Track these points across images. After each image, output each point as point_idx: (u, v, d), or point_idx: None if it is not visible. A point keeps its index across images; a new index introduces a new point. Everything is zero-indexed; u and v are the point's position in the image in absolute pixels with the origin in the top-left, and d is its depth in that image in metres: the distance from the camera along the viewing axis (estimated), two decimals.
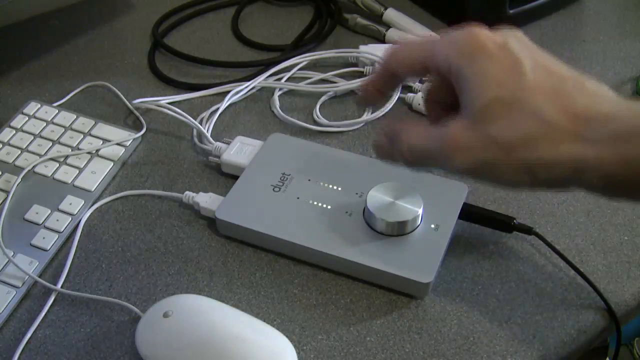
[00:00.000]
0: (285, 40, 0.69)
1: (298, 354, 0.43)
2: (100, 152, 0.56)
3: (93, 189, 0.53)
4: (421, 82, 0.62)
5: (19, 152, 0.56)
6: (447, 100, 0.38)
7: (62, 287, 0.47)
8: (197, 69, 0.66)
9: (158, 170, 0.56)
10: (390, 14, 0.69)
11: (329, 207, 0.49)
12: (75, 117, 0.59)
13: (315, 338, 0.44)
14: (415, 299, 0.46)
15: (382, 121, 0.40)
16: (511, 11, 0.69)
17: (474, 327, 0.45)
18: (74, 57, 0.68)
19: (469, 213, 0.49)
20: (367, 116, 0.60)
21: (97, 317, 0.46)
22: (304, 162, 0.53)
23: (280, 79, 0.63)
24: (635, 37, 0.70)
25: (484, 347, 0.44)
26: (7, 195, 0.52)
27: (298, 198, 0.50)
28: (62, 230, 0.50)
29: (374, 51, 0.63)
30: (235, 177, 0.53)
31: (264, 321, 0.44)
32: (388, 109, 0.60)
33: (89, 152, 0.56)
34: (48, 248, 0.49)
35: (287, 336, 0.43)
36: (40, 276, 0.48)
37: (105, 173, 0.55)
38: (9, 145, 0.56)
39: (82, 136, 0.57)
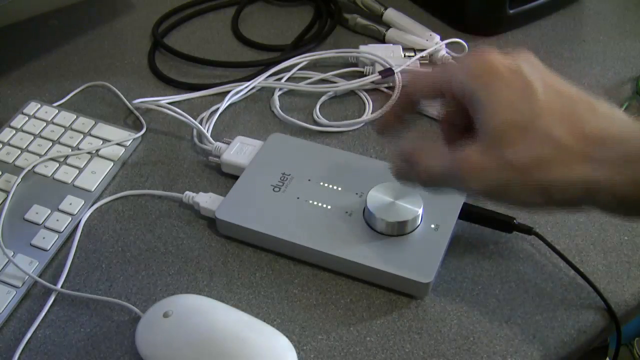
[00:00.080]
0: (285, 40, 0.69)
1: (298, 354, 0.43)
2: (100, 152, 0.56)
3: (93, 189, 0.53)
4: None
5: (19, 152, 0.56)
6: (462, 123, 0.39)
7: (62, 287, 0.47)
8: (197, 69, 0.66)
9: (158, 170, 0.56)
10: (390, 14, 0.69)
11: (329, 207, 0.49)
12: (75, 117, 0.59)
13: (315, 338, 0.44)
14: (415, 299, 0.46)
15: (399, 144, 0.41)
16: (511, 11, 0.69)
17: (474, 327, 0.45)
18: (74, 57, 0.68)
19: (469, 213, 0.49)
20: (367, 116, 0.60)
21: (97, 317, 0.46)
22: (304, 162, 0.53)
23: (280, 79, 0.63)
24: (635, 37, 0.70)
25: (484, 347, 0.44)
26: (7, 195, 0.52)
27: (298, 198, 0.50)
28: (62, 230, 0.50)
29: (374, 51, 0.63)
30: (235, 177, 0.53)
31: (264, 321, 0.44)
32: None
33: (89, 152, 0.56)
34: (48, 248, 0.49)
35: (287, 336, 0.43)
36: (40, 276, 0.48)
37: (105, 173, 0.55)
38: (9, 145, 0.56)
39: (82, 136, 0.57)
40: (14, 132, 0.57)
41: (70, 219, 0.51)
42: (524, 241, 0.50)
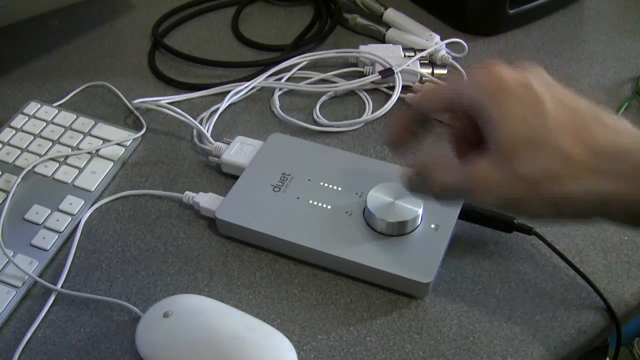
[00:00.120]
0: (285, 40, 0.69)
1: (298, 354, 0.43)
2: (100, 152, 0.56)
3: (93, 189, 0.53)
4: (421, 81, 0.62)
5: (19, 152, 0.56)
6: (472, 136, 0.40)
7: (62, 287, 0.47)
8: (197, 69, 0.66)
9: (158, 170, 0.56)
10: (390, 14, 0.69)
11: (329, 207, 0.49)
12: (75, 117, 0.59)
13: (315, 338, 0.44)
14: (415, 299, 0.46)
15: (411, 157, 0.41)
16: (511, 11, 0.69)
17: (474, 327, 0.45)
18: (74, 57, 0.68)
19: (469, 213, 0.49)
20: (367, 116, 0.60)
21: (97, 317, 0.46)
22: (304, 162, 0.53)
23: (280, 79, 0.63)
24: (635, 37, 0.70)
25: (484, 347, 0.44)
26: (7, 195, 0.52)
27: (298, 198, 0.50)
28: (62, 230, 0.50)
29: (374, 51, 0.63)
30: (235, 177, 0.53)
31: (264, 321, 0.44)
32: (388, 108, 0.60)
33: (89, 152, 0.56)
34: (48, 248, 0.49)
35: (287, 336, 0.43)
36: (40, 276, 0.48)
37: (105, 173, 0.55)
38: (9, 145, 0.56)
39: (82, 136, 0.57)
40: (14, 132, 0.57)
41: (70, 219, 0.51)
42: (524, 241, 0.50)
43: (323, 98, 0.62)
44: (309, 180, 0.51)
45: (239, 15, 0.73)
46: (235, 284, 0.48)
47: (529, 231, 0.48)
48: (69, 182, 0.54)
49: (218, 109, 0.60)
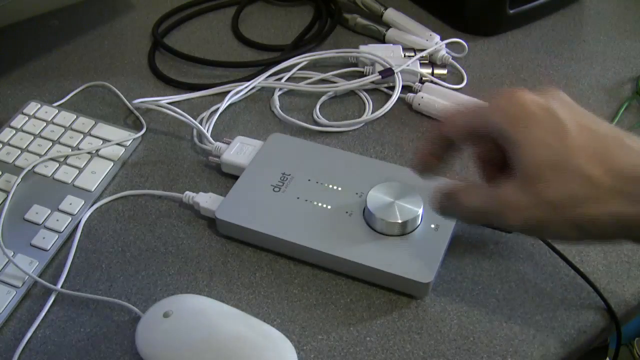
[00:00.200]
0: (285, 40, 0.69)
1: (298, 354, 0.43)
2: (100, 152, 0.56)
3: (93, 189, 0.53)
4: (421, 82, 0.62)
5: (19, 152, 0.56)
6: (498, 158, 0.41)
7: (62, 287, 0.47)
8: (197, 69, 0.66)
9: (158, 170, 0.56)
10: (390, 14, 0.69)
11: (329, 207, 0.49)
12: (75, 117, 0.59)
13: (315, 338, 0.44)
14: (415, 299, 0.46)
15: (440, 181, 0.43)
16: (511, 11, 0.69)
17: (474, 327, 0.45)
18: (74, 57, 0.68)
19: None
20: (367, 116, 0.60)
21: (97, 317, 0.46)
22: (304, 162, 0.53)
23: (280, 79, 0.63)
24: (635, 37, 0.70)
25: (484, 347, 0.44)
26: (7, 195, 0.52)
27: (298, 198, 0.50)
28: (62, 230, 0.50)
29: (374, 51, 0.63)
30: (235, 177, 0.53)
31: (264, 321, 0.44)
32: (388, 108, 0.60)
33: (89, 152, 0.56)
34: (48, 248, 0.49)
35: (287, 336, 0.43)
36: (40, 276, 0.48)
37: (105, 173, 0.55)
38: (9, 145, 0.56)
39: (82, 136, 0.57)
40: (14, 132, 0.57)
41: (70, 219, 0.51)
42: (524, 241, 0.50)
43: (323, 98, 0.62)
44: (309, 180, 0.51)
45: (239, 15, 0.73)
46: (235, 284, 0.48)
47: None
48: (69, 182, 0.54)
49: (218, 109, 0.60)
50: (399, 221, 0.46)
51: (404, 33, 0.68)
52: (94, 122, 0.58)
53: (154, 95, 0.62)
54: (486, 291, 0.47)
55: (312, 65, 0.65)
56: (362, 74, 0.63)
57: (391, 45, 0.65)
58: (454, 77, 0.64)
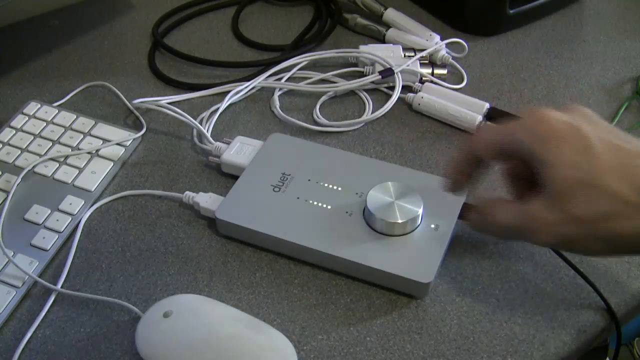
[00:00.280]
0: (285, 40, 0.69)
1: (298, 354, 0.43)
2: (100, 152, 0.56)
3: (93, 189, 0.53)
4: (421, 82, 0.62)
5: (19, 152, 0.56)
6: (525, 174, 0.42)
7: (62, 287, 0.47)
8: (197, 69, 0.66)
9: (158, 170, 0.56)
10: (390, 14, 0.69)
11: (329, 207, 0.49)
12: (75, 117, 0.59)
13: (315, 338, 0.44)
14: (415, 299, 0.46)
15: (473, 198, 0.45)
16: (511, 11, 0.69)
17: (474, 327, 0.45)
18: (74, 57, 0.68)
19: None
20: (367, 116, 0.60)
21: (97, 317, 0.46)
22: (304, 162, 0.53)
23: (280, 79, 0.63)
24: (635, 37, 0.70)
25: (484, 347, 0.44)
26: (7, 195, 0.52)
27: (298, 198, 0.50)
28: (62, 230, 0.50)
29: (374, 51, 0.63)
30: (235, 177, 0.53)
31: (264, 321, 0.44)
32: (388, 108, 0.60)
33: (89, 152, 0.56)
34: (48, 248, 0.49)
35: (287, 336, 0.43)
36: (40, 276, 0.48)
37: (105, 173, 0.55)
38: (9, 145, 0.56)
39: (82, 136, 0.57)
40: (14, 132, 0.57)
41: (70, 219, 0.51)
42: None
43: (323, 98, 0.62)
44: (309, 180, 0.51)
45: (239, 15, 0.73)
46: (235, 284, 0.48)
47: None
48: (69, 182, 0.54)
49: (218, 109, 0.60)
50: (399, 221, 0.46)
51: (404, 33, 0.68)
52: (94, 122, 0.58)
53: (154, 95, 0.62)
54: (486, 291, 0.47)
55: (312, 65, 0.65)
56: (362, 74, 0.63)
57: (391, 45, 0.65)
58: (454, 77, 0.64)
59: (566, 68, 0.66)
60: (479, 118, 0.58)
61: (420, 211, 0.47)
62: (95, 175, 0.54)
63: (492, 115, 0.59)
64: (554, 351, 0.44)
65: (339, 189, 0.50)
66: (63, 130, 0.58)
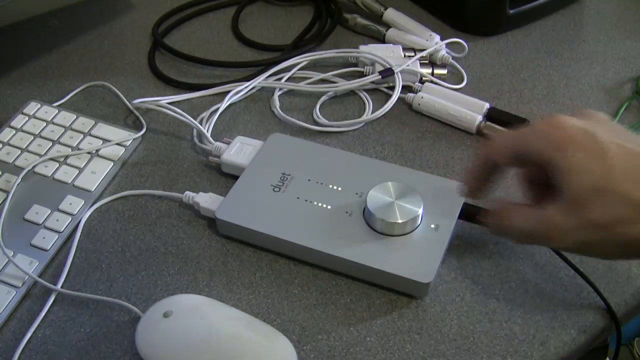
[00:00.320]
0: (285, 40, 0.69)
1: (298, 354, 0.43)
2: (100, 152, 0.56)
3: (93, 189, 0.53)
4: (421, 82, 0.62)
5: (19, 152, 0.56)
6: (541, 178, 0.42)
7: (62, 287, 0.47)
8: (197, 69, 0.66)
9: (158, 170, 0.56)
10: (390, 14, 0.69)
11: (329, 207, 0.49)
12: (75, 117, 0.59)
13: (315, 338, 0.44)
14: (415, 299, 0.46)
15: (490, 203, 0.45)
16: (511, 11, 0.69)
17: (474, 327, 0.45)
18: (74, 57, 0.68)
19: (469, 213, 0.49)
20: (367, 116, 0.60)
21: (97, 317, 0.46)
22: (304, 162, 0.53)
23: (280, 79, 0.63)
24: (635, 37, 0.70)
25: (484, 347, 0.44)
26: (7, 195, 0.52)
27: (298, 198, 0.50)
28: (62, 230, 0.50)
29: (374, 51, 0.63)
30: (235, 177, 0.53)
31: (264, 321, 0.44)
32: (388, 108, 0.60)
33: (89, 152, 0.56)
34: (48, 248, 0.49)
35: (287, 336, 0.43)
36: (40, 276, 0.48)
37: (105, 173, 0.55)
38: (9, 145, 0.56)
39: (82, 136, 0.57)
40: (14, 132, 0.57)
41: (70, 219, 0.51)
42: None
43: (323, 98, 0.62)
44: (309, 180, 0.51)
45: (239, 15, 0.73)
46: (235, 284, 0.48)
47: None
48: (69, 182, 0.54)
49: (218, 109, 0.60)
50: (399, 221, 0.46)
51: (404, 33, 0.68)
52: (94, 122, 0.58)
53: (154, 95, 0.62)
54: (486, 291, 0.47)
55: (312, 65, 0.65)
56: (362, 74, 0.63)
57: (391, 45, 0.65)
58: (454, 77, 0.64)
59: (566, 68, 0.66)
60: (479, 118, 0.58)
61: (420, 211, 0.47)
62: (95, 175, 0.54)
63: (492, 115, 0.59)
64: (554, 351, 0.44)
65: (339, 189, 0.50)
66: (63, 130, 0.58)
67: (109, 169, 0.55)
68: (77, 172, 0.54)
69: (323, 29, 0.71)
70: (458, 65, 0.65)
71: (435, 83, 0.62)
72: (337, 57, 0.66)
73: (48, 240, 0.50)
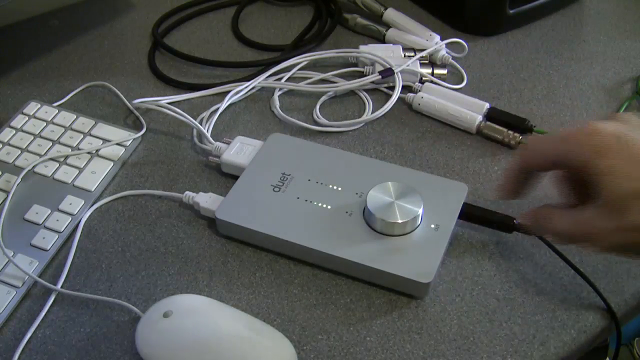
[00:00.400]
0: (285, 40, 0.69)
1: (298, 354, 0.43)
2: (100, 152, 0.56)
3: (93, 189, 0.53)
4: (421, 82, 0.62)
5: (19, 152, 0.56)
6: (579, 181, 0.43)
7: (62, 287, 0.47)
8: (197, 69, 0.66)
9: (158, 170, 0.56)
10: (390, 14, 0.69)
11: (329, 207, 0.49)
12: (75, 117, 0.59)
13: (315, 338, 0.44)
14: (415, 299, 0.46)
15: (530, 207, 0.46)
16: (511, 11, 0.69)
17: (474, 327, 0.45)
18: (74, 57, 0.68)
19: (469, 213, 0.49)
20: (367, 116, 0.60)
21: (97, 317, 0.46)
22: (304, 162, 0.53)
23: (280, 79, 0.63)
24: (635, 37, 0.70)
25: (484, 347, 0.44)
26: (7, 195, 0.52)
27: (298, 198, 0.50)
28: (62, 230, 0.50)
29: (374, 51, 0.63)
30: (235, 177, 0.53)
31: (264, 321, 0.44)
32: (388, 108, 0.60)
33: (89, 152, 0.56)
34: (48, 248, 0.49)
35: (287, 336, 0.43)
36: (40, 276, 0.48)
37: (105, 173, 0.55)
38: (9, 145, 0.56)
39: (82, 136, 0.57)
40: (14, 132, 0.57)
41: (70, 219, 0.51)
42: (524, 241, 0.50)
43: (323, 98, 0.62)
44: (309, 180, 0.51)
45: (239, 15, 0.73)
46: (235, 284, 0.48)
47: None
48: (69, 182, 0.54)
49: (218, 109, 0.60)
50: (399, 221, 0.46)
51: (404, 33, 0.68)
52: (94, 122, 0.58)
53: (154, 95, 0.62)
54: (486, 291, 0.47)
55: (312, 65, 0.65)
56: (362, 74, 0.63)
57: (391, 45, 0.65)
58: (454, 77, 0.64)
59: (566, 68, 0.66)
60: (479, 118, 0.58)
61: (420, 211, 0.47)
62: (95, 175, 0.54)
63: (492, 115, 0.59)
64: (554, 351, 0.44)
65: (339, 189, 0.50)
66: (63, 130, 0.58)
67: (109, 169, 0.55)
68: (77, 172, 0.54)
69: (323, 29, 0.71)
70: (458, 65, 0.65)
71: (435, 83, 0.62)
72: (337, 57, 0.66)
73: (48, 240, 0.50)
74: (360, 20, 0.70)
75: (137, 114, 0.60)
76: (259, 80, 0.63)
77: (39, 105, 0.60)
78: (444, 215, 0.48)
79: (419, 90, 0.61)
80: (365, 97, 0.62)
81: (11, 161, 0.55)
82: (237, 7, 0.74)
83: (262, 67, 0.65)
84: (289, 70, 0.64)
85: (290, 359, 0.42)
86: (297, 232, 0.48)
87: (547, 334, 0.44)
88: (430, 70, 0.63)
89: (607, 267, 0.48)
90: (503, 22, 0.70)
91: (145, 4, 0.75)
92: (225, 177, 0.55)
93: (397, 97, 0.61)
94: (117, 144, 0.57)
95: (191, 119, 0.58)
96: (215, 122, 0.60)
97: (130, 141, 0.57)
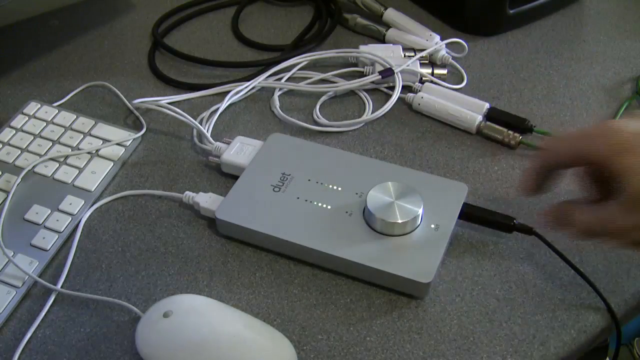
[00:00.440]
0: (285, 40, 0.69)
1: (298, 354, 0.43)
2: (100, 152, 0.56)
3: (93, 189, 0.53)
4: (421, 82, 0.62)
5: (19, 152, 0.56)
6: (600, 177, 0.43)
7: (62, 287, 0.47)
8: (197, 69, 0.66)
9: (158, 170, 0.56)
10: (390, 14, 0.69)
11: (329, 207, 0.49)
12: (75, 117, 0.59)
13: (315, 338, 0.44)
14: (415, 299, 0.46)
15: (551, 203, 0.46)
16: (511, 11, 0.69)
17: (474, 327, 0.45)
18: (74, 57, 0.68)
19: (469, 213, 0.49)
20: (367, 116, 0.60)
21: (97, 317, 0.46)
22: (304, 162, 0.53)
23: (280, 79, 0.63)
24: (635, 37, 0.70)
25: (484, 347, 0.44)
26: (7, 195, 0.52)
27: (298, 198, 0.50)
28: (62, 230, 0.50)
29: (374, 51, 0.63)
30: (235, 177, 0.53)
31: (264, 321, 0.44)
32: (388, 108, 0.60)
33: (89, 152, 0.56)
34: (48, 248, 0.49)
35: (287, 336, 0.43)
36: (40, 276, 0.48)
37: (105, 173, 0.55)
38: (9, 145, 0.56)
39: (82, 136, 0.57)
40: (14, 132, 0.58)
41: (70, 219, 0.51)
42: (524, 241, 0.50)
43: (323, 98, 0.62)
44: (309, 180, 0.51)
45: (239, 15, 0.73)
46: (235, 284, 0.48)
47: (529, 231, 0.48)
48: (69, 182, 0.54)
49: (218, 109, 0.60)
50: (399, 221, 0.46)
51: (404, 33, 0.68)
52: (94, 122, 0.58)
53: (154, 95, 0.62)
54: (486, 291, 0.47)
55: (312, 65, 0.65)
56: (362, 74, 0.63)
57: (391, 45, 0.65)
58: (454, 77, 0.65)
59: (566, 68, 0.66)
60: (479, 118, 0.58)
61: (420, 211, 0.47)
62: (95, 175, 0.54)
63: (492, 115, 0.59)
64: (554, 351, 0.44)
65: (339, 189, 0.50)
66: (63, 130, 0.58)
67: (109, 169, 0.55)
68: (77, 172, 0.54)
69: (323, 29, 0.71)
70: (458, 65, 0.65)
71: (435, 83, 0.62)
72: (337, 57, 0.66)
73: (48, 240, 0.50)
74: (360, 20, 0.70)
75: (137, 114, 0.60)
76: (259, 80, 0.63)
77: (39, 105, 0.60)
78: (444, 215, 0.48)
79: (419, 90, 0.61)
80: (365, 97, 0.62)
81: (11, 161, 0.55)
82: (237, 7, 0.74)
83: (262, 67, 0.65)
84: (289, 70, 0.64)
85: (290, 359, 0.42)
86: (297, 232, 0.48)
87: (547, 334, 0.44)
88: (430, 70, 0.63)
89: (607, 267, 0.48)
90: (503, 22, 0.70)
91: (145, 4, 0.75)
92: (225, 177, 0.55)
93: (397, 97, 0.61)
94: (117, 144, 0.57)
95: (191, 119, 0.58)
96: (215, 122, 0.60)
97: (130, 141, 0.57)
